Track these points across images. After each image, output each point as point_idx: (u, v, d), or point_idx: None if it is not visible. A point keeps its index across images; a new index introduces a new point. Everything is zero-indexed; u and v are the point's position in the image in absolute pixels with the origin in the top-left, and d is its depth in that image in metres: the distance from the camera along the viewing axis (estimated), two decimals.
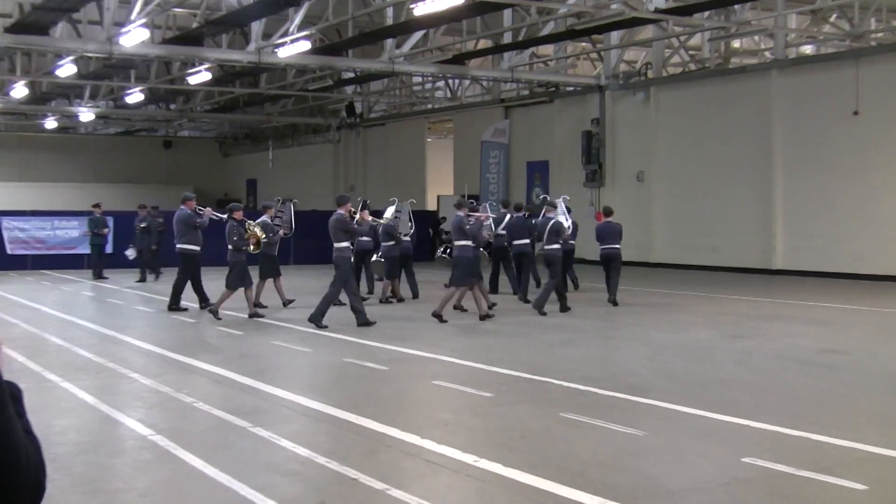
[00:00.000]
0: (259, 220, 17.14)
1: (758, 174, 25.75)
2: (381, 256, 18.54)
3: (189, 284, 17.31)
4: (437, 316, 15.20)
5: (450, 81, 36.93)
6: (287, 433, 7.52)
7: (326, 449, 7.05)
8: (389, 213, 19.08)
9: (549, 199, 17.04)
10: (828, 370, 10.65)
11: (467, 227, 15.25)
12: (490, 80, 33.58)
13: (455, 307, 16.40)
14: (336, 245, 14.53)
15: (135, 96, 35.03)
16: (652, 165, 28.84)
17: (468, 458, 6.71)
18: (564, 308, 16.51)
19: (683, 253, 27.85)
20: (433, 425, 7.91)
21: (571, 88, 31.31)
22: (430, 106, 39.68)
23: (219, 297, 16.08)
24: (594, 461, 6.68)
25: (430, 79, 35.89)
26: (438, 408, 8.81)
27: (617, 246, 18.19)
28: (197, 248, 17.18)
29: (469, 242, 15.25)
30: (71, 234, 28.88)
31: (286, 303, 17.55)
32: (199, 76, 30.06)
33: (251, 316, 15.90)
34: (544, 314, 16.02)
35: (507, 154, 33.90)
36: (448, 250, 18.92)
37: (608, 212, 19.01)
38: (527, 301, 17.93)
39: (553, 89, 31.96)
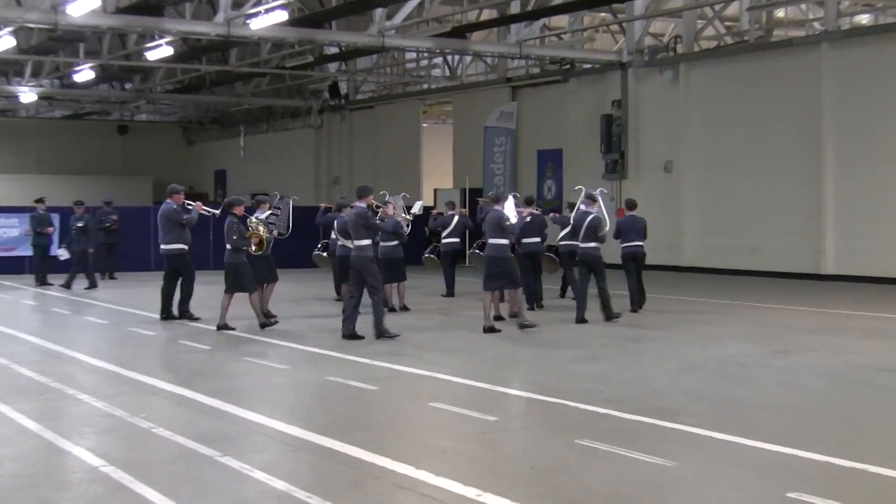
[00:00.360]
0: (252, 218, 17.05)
1: (805, 164, 25.76)
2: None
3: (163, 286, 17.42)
4: (490, 328, 15.36)
5: (448, 58, 36.97)
6: (261, 463, 7.49)
7: (307, 482, 7.03)
8: (417, 207, 18.97)
9: (587, 190, 17.21)
10: (888, 392, 10.64)
11: (507, 223, 15.33)
12: (495, 57, 33.58)
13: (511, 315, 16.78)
14: (357, 243, 14.64)
15: (84, 74, 35.03)
16: (682, 154, 28.84)
17: (470, 493, 6.70)
18: (611, 316, 16.76)
19: (718, 255, 27.85)
20: (429, 454, 7.88)
21: (589, 66, 31.32)
22: (425, 86, 39.70)
23: (222, 307, 15.98)
24: (615, 496, 6.67)
25: (425, 55, 35.91)
26: (435, 434, 8.79)
27: (640, 243, 18.32)
28: (184, 247, 17.24)
29: (506, 241, 15.54)
30: (10, 233, 28.88)
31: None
32: (159, 51, 30.06)
33: (263, 326, 15.92)
34: (618, 315, 16.73)
35: (515, 141, 33.90)
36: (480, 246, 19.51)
37: (631, 204, 19.10)
38: (541, 307, 18.56)
39: (567, 67, 31.97)
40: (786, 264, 26.13)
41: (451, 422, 9.21)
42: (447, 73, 38.33)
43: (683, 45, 29.53)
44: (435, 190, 36.23)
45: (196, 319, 17.10)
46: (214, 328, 15.95)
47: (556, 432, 8.60)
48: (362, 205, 14.76)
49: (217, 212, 18.21)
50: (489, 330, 15.31)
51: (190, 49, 31.91)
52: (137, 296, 22.33)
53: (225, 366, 12.48)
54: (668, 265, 28.27)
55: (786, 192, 26.25)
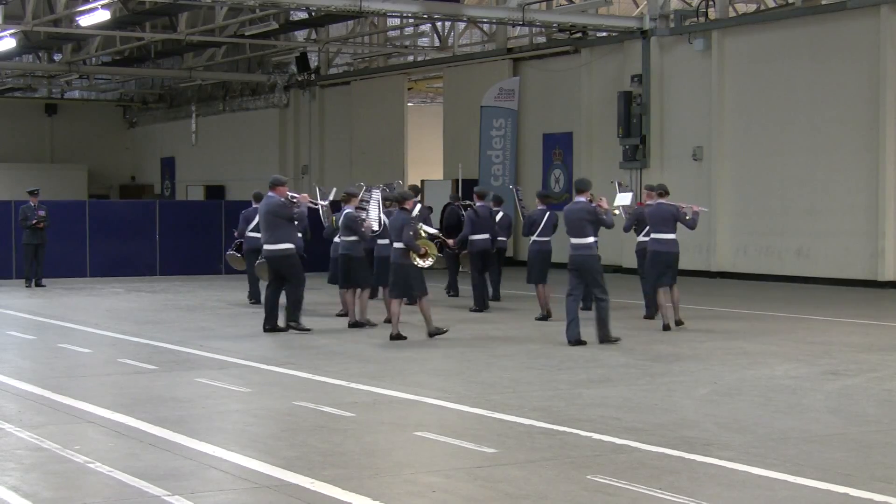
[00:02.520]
0: (344, 213, 17.99)
1: (861, 151, 25.81)
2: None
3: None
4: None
5: (438, 24, 36.96)
6: None
7: None
8: (417, 211, 19.12)
9: (621, 182, 17.94)
10: None
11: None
12: (493, 23, 33.62)
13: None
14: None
15: (5, 42, 34.93)
16: (714, 139, 28.89)
17: None
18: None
19: (757, 258, 27.90)
20: (415, 492, 7.88)
21: (604, 34, 31.36)
22: (410, 58, 39.70)
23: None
24: None
25: (410, 21, 35.90)
26: (422, 468, 8.79)
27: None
28: (292, 246, 17.41)
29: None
30: None
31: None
32: (94, 16, 30.02)
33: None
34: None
35: (517, 123, 33.94)
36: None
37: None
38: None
39: (579, 35, 32.00)
40: (838, 269, 26.17)
41: (440, 455, 9.22)
42: (436, 42, 38.34)
43: (717, 8, 29.57)
44: (422, 181, 36.22)
45: (307, 331, 17.25)
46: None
47: (564, 467, 8.60)
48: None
49: (325, 203, 18.60)
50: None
51: (131, 13, 31.89)
52: (69, 306, 22.30)
53: (174, 389, 12.46)
54: (699, 270, 28.30)
55: (838, 185, 26.30)
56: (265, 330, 17.38)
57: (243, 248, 21.91)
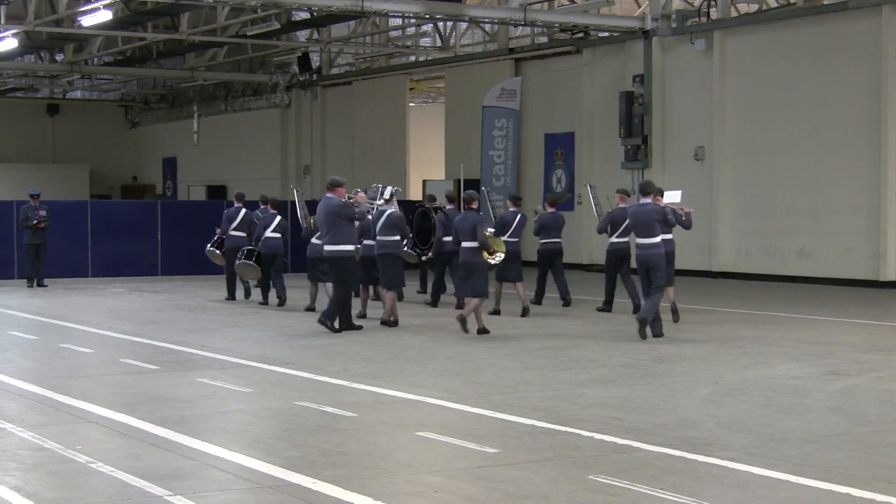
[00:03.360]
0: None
1: (863, 151, 25.79)
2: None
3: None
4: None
5: (440, 25, 36.95)
6: None
7: None
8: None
9: (593, 185, 18.79)
10: None
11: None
12: (495, 23, 33.62)
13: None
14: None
15: (6, 43, 34.96)
16: (716, 140, 28.88)
17: None
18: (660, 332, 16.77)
19: (758, 259, 27.89)
20: (417, 492, 7.89)
21: (606, 34, 31.35)
22: (412, 58, 39.69)
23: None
24: None
25: (412, 21, 35.91)
26: (424, 468, 8.80)
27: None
28: (352, 248, 17.58)
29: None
30: None
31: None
32: (96, 16, 30.02)
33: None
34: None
35: (518, 124, 33.94)
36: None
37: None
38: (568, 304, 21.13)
39: (581, 35, 31.99)
40: (840, 270, 26.16)
41: (442, 455, 9.22)
42: (438, 42, 38.32)
43: (719, 8, 29.56)
44: (424, 181, 36.25)
45: (336, 331, 17.24)
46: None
47: (566, 467, 8.60)
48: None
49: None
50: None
51: (132, 13, 31.86)
52: (71, 306, 22.31)
53: (175, 389, 12.46)
54: (700, 270, 28.29)
55: (840, 185, 26.28)
56: (339, 330, 17.31)
57: (224, 246, 22.45)
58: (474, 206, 17.73)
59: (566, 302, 21.12)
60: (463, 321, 16.76)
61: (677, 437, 9.66)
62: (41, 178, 42.85)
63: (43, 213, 26.34)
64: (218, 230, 22.83)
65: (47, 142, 52.56)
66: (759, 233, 28.05)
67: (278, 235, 21.40)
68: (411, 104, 40.37)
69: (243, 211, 22.28)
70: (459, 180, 31.66)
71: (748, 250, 28.29)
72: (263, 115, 45.17)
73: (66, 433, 9.97)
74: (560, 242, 21.13)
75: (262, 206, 22.31)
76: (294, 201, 21.59)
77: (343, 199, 17.39)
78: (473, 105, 34.96)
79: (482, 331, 16.86)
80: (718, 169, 28.80)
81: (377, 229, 18.28)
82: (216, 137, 48.06)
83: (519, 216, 20.19)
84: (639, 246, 16.64)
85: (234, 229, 22.09)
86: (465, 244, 17.14)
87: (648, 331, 16.19)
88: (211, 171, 47.34)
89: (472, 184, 29.99)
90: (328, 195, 17.40)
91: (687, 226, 17.86)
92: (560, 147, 33.01)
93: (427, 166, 38.97)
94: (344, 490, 7.85)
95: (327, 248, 17.31)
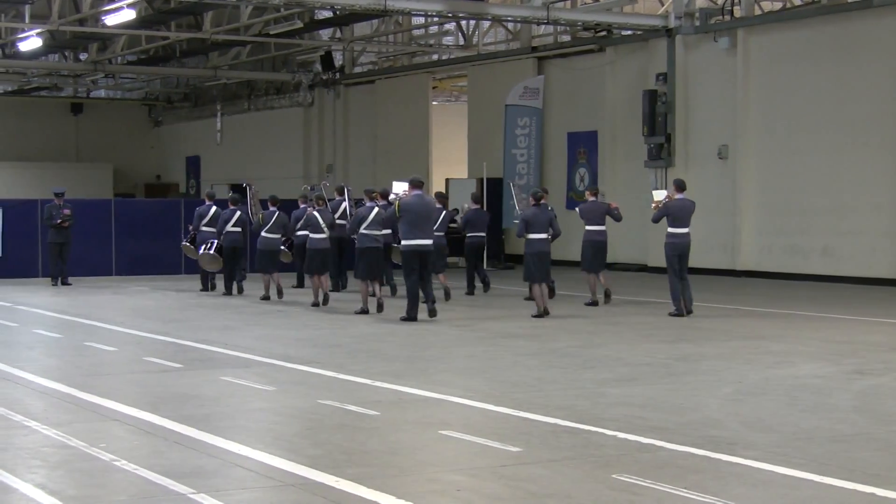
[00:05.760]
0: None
1: (887, 149, 25.67)
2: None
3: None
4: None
5: (462, 23, 36.94)
6: (241, 502, 7.49)
7: None
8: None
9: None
10: None
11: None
12: (517, 22, 33.59)
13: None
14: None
15: (31, 42, 35.10)
16: (739, 138, 28.79)
17: None
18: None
19: (781, 257, 27.79)
20: (440, 491, 7.90)
21: (629, 32, 31.28)
22: (435, 57, 39.68)
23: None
24: None
25: (435, 19, 35.90)
26: (446, 468, 8.80)
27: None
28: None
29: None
30: None
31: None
32: (120, 15, 30.11)
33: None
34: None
35: (541, 122, 33.89)
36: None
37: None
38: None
39: (604, 34, 31.94)
40: (864, 268, 26.05)
41: (465, 453, 9.22)
42: (461, 41, 38.31)
43: (742, 6, 29.49)
44: (447, 179, 36.23)
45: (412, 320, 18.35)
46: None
47: (589, 466, 8.60)
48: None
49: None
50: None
51: (156, 13, 31.98)
52: (94, 304, 22.39)
53: (198, 387, 12.50)
54: (724, 269, 28.19)
55: (863, 183, 26.16)
56: (409, 319, 18.36)
57: (196, 241, 24.33)
58: (544, 200, 19.64)
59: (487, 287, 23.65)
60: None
61: (700, 436, 9.65)
62: (65, 176, 42.97)
63: (67, 211, 26.43)
64: (191, 227, 24.90)
65: (71, 141, 52.70)
66: (782, 231, 27.95)
67: (239, 230, 23.19)
68: (434, 103, 40.32)
69: (213, 208, 24.24)
70: (482, 178, 31.67)
71: (771, 249, 28.19)
72: (286, 114, 45.21)
73: (90, 431, 10.01)
74: (484, 236, 23.91)
75: (207, 203, 24.64)
76: (316, 198, 22.16)
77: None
78: (496, 104, 34.92)
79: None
80: (741, 167, 28.71)
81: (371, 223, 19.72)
82: (239, 136, 48.12)
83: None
84: (677, 236, 18.93)
85: (206, 225, 24.08)
86: (541, 235, 18.94)
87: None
88: (234, 169, 47.33)
89: (496, 182, 29.99)
90: (417, 192, 18.78)
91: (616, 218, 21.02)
92: (583, 146, 32.94)
93: (450, 165, 38.91)
94: (366, 488, 7.86)
95: (431, 240, 18.82)
